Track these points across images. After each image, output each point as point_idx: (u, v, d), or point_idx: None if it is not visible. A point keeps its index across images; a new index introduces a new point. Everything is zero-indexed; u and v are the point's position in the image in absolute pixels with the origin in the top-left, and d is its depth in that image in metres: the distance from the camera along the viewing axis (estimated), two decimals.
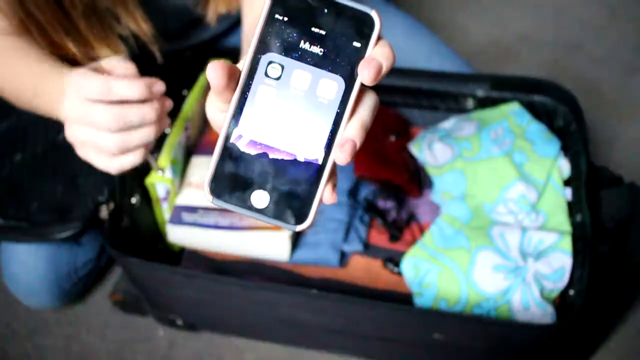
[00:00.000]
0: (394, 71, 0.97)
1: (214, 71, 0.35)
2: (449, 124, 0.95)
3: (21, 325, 1.02)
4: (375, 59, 0.35)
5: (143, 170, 0.85)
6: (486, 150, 0.88)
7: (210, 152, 0.93)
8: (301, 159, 0.36)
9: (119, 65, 0.65)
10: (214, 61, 0.35)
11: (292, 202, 0.36)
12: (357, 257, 0.88)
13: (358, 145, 0.36)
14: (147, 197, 0.87)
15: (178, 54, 1.00)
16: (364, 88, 0.37)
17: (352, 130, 0.36)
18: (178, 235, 0.88)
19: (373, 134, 0.95)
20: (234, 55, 1.00)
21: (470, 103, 0.97)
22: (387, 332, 0.81)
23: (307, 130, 0.36)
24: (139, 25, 0.79)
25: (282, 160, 0.36)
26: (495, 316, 0.79)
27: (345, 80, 0.36)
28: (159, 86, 0.65)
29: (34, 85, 0.71)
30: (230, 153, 0.37)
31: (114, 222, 0.83)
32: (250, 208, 0.36)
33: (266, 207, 0.36)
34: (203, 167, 0.92)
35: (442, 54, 1.00)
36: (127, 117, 0.62)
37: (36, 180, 0.85)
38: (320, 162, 0.36)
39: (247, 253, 0.87)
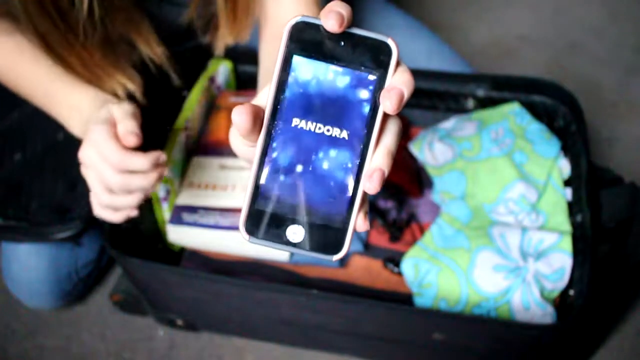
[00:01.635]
0: None
1: (240, 116, 0.36)
2: (449, 124, 0.95)
3: (21, 325, 1.02)
4: (396, 88, 0.36)
5: None
6: (486, 151, 0.88)
7: (210, 152, 0.93)
8: (332, 192, 0.37)
9: (126, 119, 0.71)
10: (239, 106, 0.36)
11: (327, 234, 0.37)
12: (357, 257, 0.88)
13: (386, 172, 0.37)
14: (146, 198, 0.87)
15: (177, 54, 1.00)
16: (387, 115, 0.37)
17: (379, 159, 0.37)
18: (178, 235, 0.88)
19: None
20: (234, 54, 1.01)
21: (470, 103, 0.97)
22: (387, 332, 0.81)
23: (335, 164, 0.37)
24: (154, 49, 0.80)
25: (314, 195, 0.37)
26: (495, 316, 0.79)
27: (368, 111, 0.37)
28: (162, 158, 0.72)
29: (44, 92, 0.77)
30: (261, 192, 0.37)
31: (114, 223, 0.83)
32: (287, 243, 0.37)
33: (302, 241, 0.37)
34: (203, 168, 0.92)
35: (443, 54, 1.00)
36: (131, 184, 0.70)
37: (36, 180, 0.85)
38: (350, 194, 0.37)
39: (247, 253, 0.87)
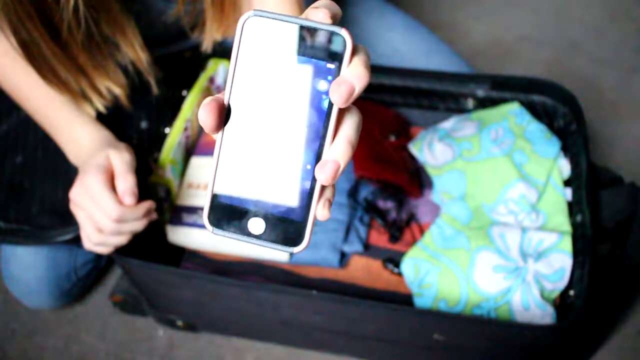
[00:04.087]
0: (394, 71, 0.97)
1: (206, 115, 0.36)
2: (449, 124, 0.95)
3: (21, 325, 1.02)
4: (347, 81, 0.35)
5: (143, 171, 0.85)
6: (486, 151, 0.88)
7: (209, 152, 0.93)
8: (290, 185, 0.37)
9: (126, 174, 0.75)
10: (204, 103, 0.36)
11: (287, 227, 0.37)
12: (357, 258, 0.88)
13: (342, 164, 0.36)
14: (146, 198, 0.87)
15: (177, 54, 1.00)
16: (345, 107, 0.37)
17: (335, 150, 0.36)
18: (178, 235, 0.88)
19: (373, 134, 0.95)
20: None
21: (470, 103, 0.97)
22: (387, 332, 0.81)
23: (292, 157, 0.37)
24: (137, 54, 0.80)
25: (272, 187, 0.37)
26: (495, 317, 0.79)
27: (324, 102, 0.36)
28: (152, 207, 0.77)
29: (45, 114, 0.80)
30: (222, 186, 0.38)
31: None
32: (249, 235, 0.38)
33: (263, 233, 0.38)
34: (203, 168, 0.92)
35: (442, 54, 1.00)
36: (123, 229, 0.74)
37: (37, 183, 0.85)
38: (308, 186, 0.37)
39: (247, 253, 0.87)
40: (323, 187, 0.37)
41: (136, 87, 0.84)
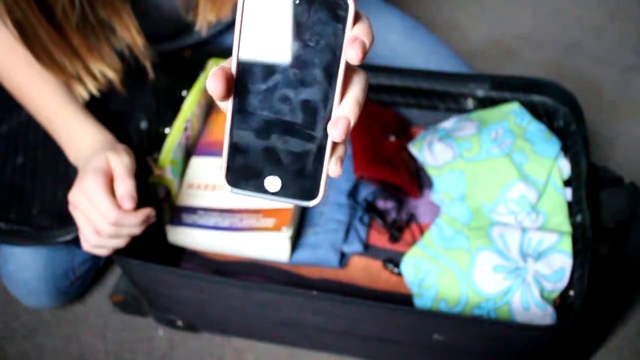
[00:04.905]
0: (393, 71, 0.97)
1: (214, 84, 0.37)
2: (449, 124, 0.95)
3: (21, 325, 1.02)
4: (358, 38, 0.37)
5: (143, 171, 0.85)
6: (486, 151, 0.88)
7: (209, 153, 0.93)
8: (303, 142, 0.39)
9: (126, 178, 0.75)
10: (212, 73, 0.37)
11: (302, 182, 0.40)
12: (357, 258, 0.88)
13: (352, 120, 0.38)
14: (146, 198, 0.87)
15: (176, 54, 1.00)
16: (352, 67, 0.39)
17: (345, 107, 0.38)
18: (177, 236, 0.88)
19: (373, 134, 0.95)
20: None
21: (470, 103, 0.97)
22: (387, 332, 0.81)
23: (303, 115, 0.39)
24: (133, 37, 0.80)
25: (286, 145, 0.39)
26: (495, 317, 0.79)
27: (330, 63, 0.38)
28: (152, 214, 0.77)
29: (47, 118, 0.81)
30: (237, 146, 0.39)
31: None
32: (266, 192, 0.40)
33: (280, 190, 0.40)
34: (203, 168, 0.92)
35: (441, 54, 1.00)
36: (121, 233, 0.74)
37: (37, 184, 0.86)
38: (321, 141, 0.39)
39: (247, 254, 0.87)
40: (334, 145, 0.39)
41: (132, 72, 0.84)
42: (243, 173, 0.40)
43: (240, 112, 0.39)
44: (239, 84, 0.38)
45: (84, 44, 0.77)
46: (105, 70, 0.80)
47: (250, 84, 0.38)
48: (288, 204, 0.42)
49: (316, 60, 0.38)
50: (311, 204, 0.40)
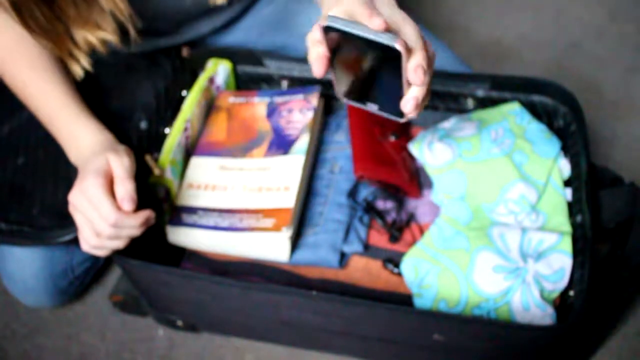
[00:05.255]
0: None
1: (319, 70, 0.53)
2: (449, 124, 0.95)
3: (21, 325, 1.02)
4: (418, 66, 0.53)
5: (143, 171, 0.85)
6: (486, 151, 0.88)
7: (209, 153, 0.93)
8: (390, 85, 0.54)
9: (126, 180, 0.75)
10: (315, 56, 0.53)
11: (392, 107, 0.56)
12: (357, 258, 0.88)
13: (426, 69, 0.53)
14: (146, 199, 0.87)
15: (175, 51, 1.00)
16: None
17: (417, 60, 0.53)
18: (177, 236, 0.88)
19: (373, 134, 0.95)
20: (232, 54, 1.01)
21: (470, 103, 0.96)
22: (386, 333, 0.81)
23: (387, 71, 0.54)
24: (116, 3, 0.80)
25: (379, 85, 0.56)
26: (495, 317, 0.79)
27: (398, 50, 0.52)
28: (151, 216, 0.77)
29: (49, 117, 0.81)
30: (347, 84, 0.57)
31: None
32: (368, 106, 0.58)
33: (377, 110, 0.58)
34: (203, 168, 0.92)
35: (440, 54, 1.00)
36: (121, 234, 0.74)
37: (38, 185, 0.86)
38: (401, 85, 0.54)
39: (247, 254, 0.87)
40: (410, 87, 0.54)
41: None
42: (352, 97, 0.58)
43: (340, 68, 0.56)
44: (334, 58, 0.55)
45: (77, 13, 0.78)
46: (105, 36, 0.81)
47: (345, 55, 0.54)
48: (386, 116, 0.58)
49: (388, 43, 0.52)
50: (401, 120, 0.57)
